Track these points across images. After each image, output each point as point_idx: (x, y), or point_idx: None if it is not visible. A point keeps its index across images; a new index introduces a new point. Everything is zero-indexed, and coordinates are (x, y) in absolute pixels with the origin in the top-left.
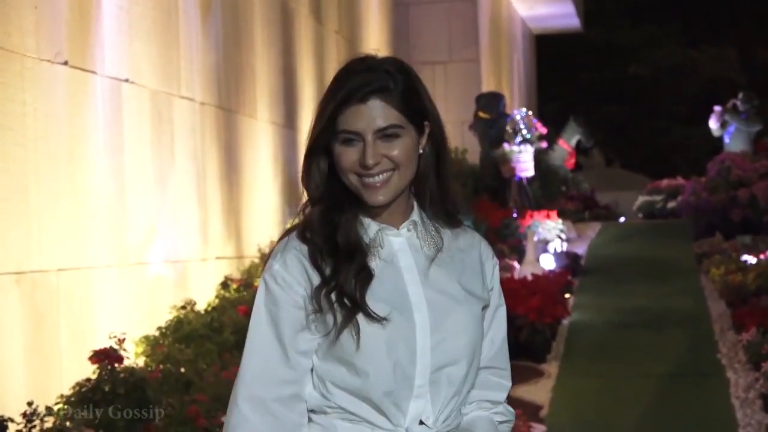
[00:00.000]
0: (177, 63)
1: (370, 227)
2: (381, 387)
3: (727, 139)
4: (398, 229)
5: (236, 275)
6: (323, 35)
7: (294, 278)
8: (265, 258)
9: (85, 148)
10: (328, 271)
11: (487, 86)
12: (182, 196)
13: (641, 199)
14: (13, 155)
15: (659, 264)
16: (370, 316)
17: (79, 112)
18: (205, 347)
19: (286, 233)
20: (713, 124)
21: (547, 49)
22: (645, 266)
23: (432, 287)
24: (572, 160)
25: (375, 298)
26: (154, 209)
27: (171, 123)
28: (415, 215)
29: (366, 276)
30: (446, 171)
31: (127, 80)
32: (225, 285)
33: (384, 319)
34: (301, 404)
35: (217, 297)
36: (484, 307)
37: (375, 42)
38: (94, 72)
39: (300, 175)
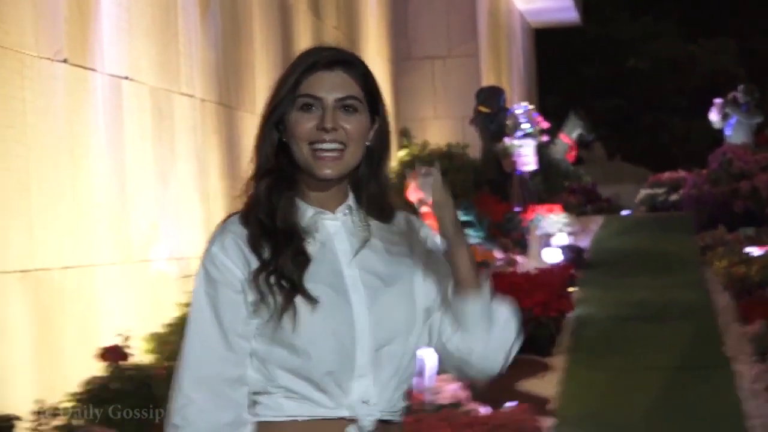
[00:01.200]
0: (177, 60)
1: (307, 211)
2: (322, 367)
3: (728, 132)
4: (334, 213)
5: None
6: (322, 31)
7: (232, 261)
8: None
9: (86, 145)
10: (266, 254)
11: (486, 81)
12: (184, 193)
13: (643, 192)
14: (13, 153)
15: (663, 257)
16: (309, 298)
17: (79, 109)
18: None
19: (227, 217)
20: (714, 116)
21: (547, 42)
22: (648, 259)
23: (366, 269)
24: (573, 153)
25: (313, 280)
26: (157, 206)
27: (171, 120)
28: (351, 200)
29: (304, 259)
30: (385, 168)
31: (127, 77)
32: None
33: (321, 300)
34: (243, 388)
35: None
36: (425, 279)
37: (374, 37)
38: (93, 69)
39: (254, 144)
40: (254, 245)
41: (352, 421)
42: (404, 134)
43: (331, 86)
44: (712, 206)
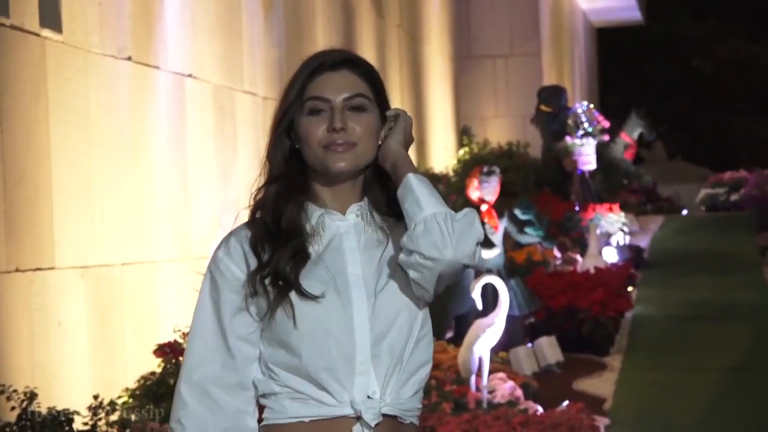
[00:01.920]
0: (239, 58)
1: (314, 213)
2: (318, 364)
3: None
4: (345, 213)
5: None
6: (384, 30)
7: (235, 264)
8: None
9: (149, 142)
10: (266, 256)
11: (548, 79)
12: (244, 191)
13: (703, 191)
14: (77, 150)
15: (722, 257)
16: (303, 295)
17: (142, 107)
18: None
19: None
20: None
21: (609, 41)
22: (708, 259)
23: (373, 267)
24: (632, 152)
25: (310, 278)
26: (217, 203)
27: (233, 117)
28: (364, 201)
29: (300, 259)
30: None
31: (190, 75)
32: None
33: (317, 297)
34: (246, 392)
35: None
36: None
37: (436, 35)
38: (157, 67)
39: (265, 152)
40: (255, 246)
41: (358, 418)
42: (465, 132)
43: (337, 86)
44: None
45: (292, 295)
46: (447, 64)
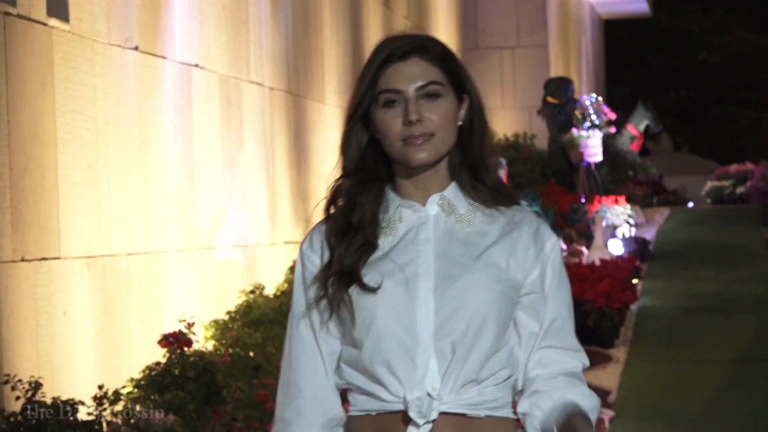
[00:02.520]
0: (246, 48)
1: (393, 203)
2: (375, 357)
3: None
4: (426, 202)
5: None
6: (392, 20)
7: (317, 256)
8: None
9: (155, 132)
10: (337, 249)
11: (555, 71)
12: (251, 181)
13: (710, 184)
14: (83, 139)
15: (728, 249)
16: (364, 287)
17: (149, 97)
18: (274, 331)
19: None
20: None
21: (616, 33)
22: (714, 251)
23: (447, 260)
24: (638, 143)
25: (375, 270)
26: (223, 194)
27: (240, 108)
28: (448, 191)
29: (366, 250)
30: (486, 147)
31: (197, 65)
32: (293, 269)
33: (375, 289)
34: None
35: (285, 281)
36: (524, 293)
37: (443, 26)
38: (164, 57)
39: (339, 144)
40: (329, 240)
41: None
42: None
43: (409, 76)
44: None
45: (353, 287)
46: None
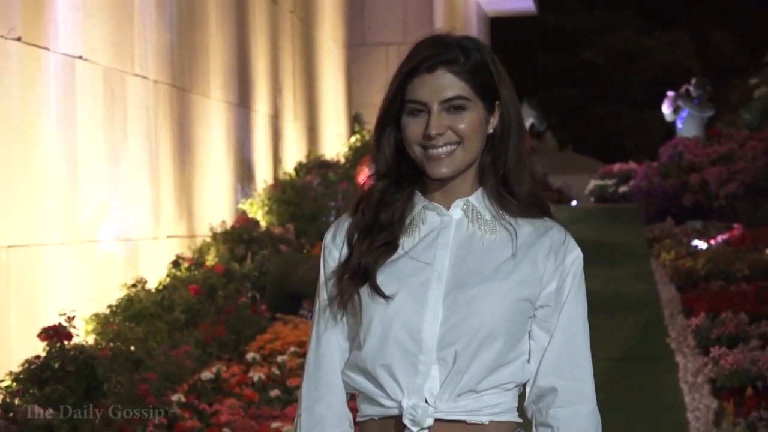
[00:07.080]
0: (131, 41)
1: (418, 203)
2: (376, 359)
3: (679, 125)
4: (450, 207)
5: (188, 254)
6: (278, 15)
7: (338, 249)
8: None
9: (38, 124)
10: (357, 247)
11: None
12: (134, 174)
13: (593, 183)
14: None
15: (611, 248)
16: (375, 289)
17: (32, 88)
18: (156, 326)
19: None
20: (666, 109)
21: (502, 31)
22: (596, 250)
23: (462, 267)
24: (526, 143)
25: (388, 273)
26: (106, 187)
27: (124, 101)
28: (474, 197)
29: (386, 249)
30: (518, 156)
31: (80, 57)
32: (176, 264)
33: (385, 292)
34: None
35: (168, 276)
36: (539, 306)
37: (330, 22)
38: (47, 48)
39: (370, 149)
40: (351, 236)
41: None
42: (356, 120)
43: (434, 90)
44: (662, 198)
45: (365, 288)
46: (340, 51)
